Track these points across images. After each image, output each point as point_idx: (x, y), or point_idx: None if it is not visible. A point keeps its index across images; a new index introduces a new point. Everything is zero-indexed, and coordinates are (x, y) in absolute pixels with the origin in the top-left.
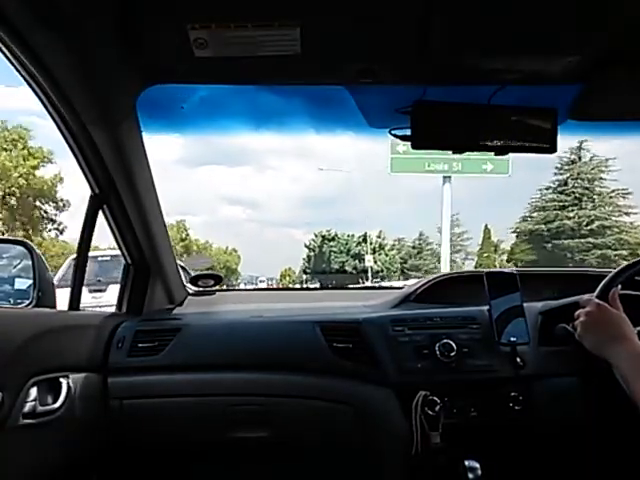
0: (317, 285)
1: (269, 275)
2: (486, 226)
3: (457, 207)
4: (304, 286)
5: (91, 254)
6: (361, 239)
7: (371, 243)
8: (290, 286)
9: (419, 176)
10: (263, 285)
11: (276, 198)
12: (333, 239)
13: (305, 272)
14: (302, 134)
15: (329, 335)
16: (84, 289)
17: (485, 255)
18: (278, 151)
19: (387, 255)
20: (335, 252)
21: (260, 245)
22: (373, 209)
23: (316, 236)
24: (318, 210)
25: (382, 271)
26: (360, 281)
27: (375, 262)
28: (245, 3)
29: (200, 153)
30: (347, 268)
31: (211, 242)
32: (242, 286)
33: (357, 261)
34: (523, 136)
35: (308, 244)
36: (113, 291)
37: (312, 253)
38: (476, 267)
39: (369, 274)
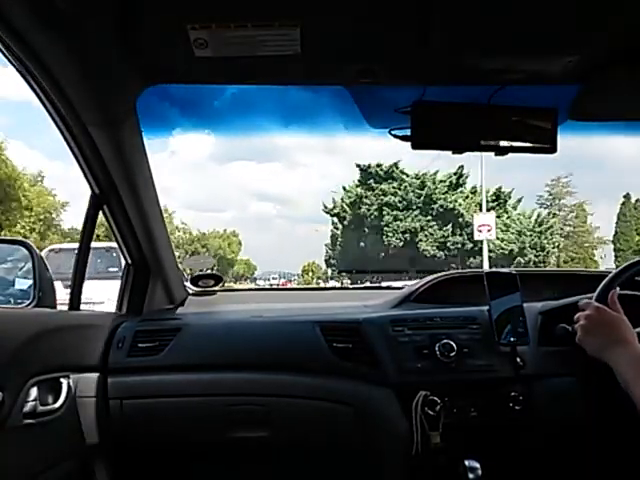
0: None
1: (293, 271)
2: (627, 195)
3: (569, 165)
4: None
5: (68, 246)
6: (456, 178)
7: (487, 191)
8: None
9: None
10: (276, 283)
11: (306, 194)
12: (391, 178)
13: (329, 264)
14: (297, 133)
15: (329, 335)
16: (59, 284)
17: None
18: (307, 147)
19: (521, 221)
20: (396, 208)
21: (289, 240)
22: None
23: (346, 191)
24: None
25: (511, 251)
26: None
27: (497, 236)
28: (245, 3)
29: (229, 149)
30: (425, 246)
31: (172, 211)
32: (261, 283)
33: (451, 229)
34: (523, 136)
35: (331, 207)
36: (89, 287)
37: (342, 225)
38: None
39: (484, 258)
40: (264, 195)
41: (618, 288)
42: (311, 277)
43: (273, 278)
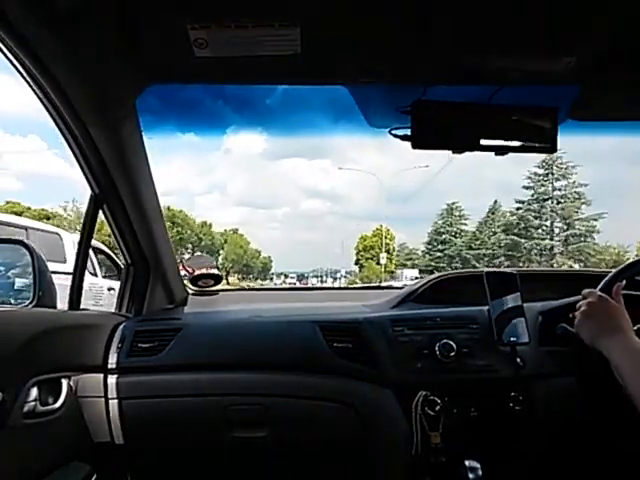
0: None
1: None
2: None
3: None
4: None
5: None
6: None
7: None
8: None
9: None
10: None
11: (356, 191)
12: None
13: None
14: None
15: (329, 335)
16: None
17: None
18: (358, 145)
19: None
20: None
21: (340, 238)
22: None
23: None
24: (397, 204)
25: None
26: None
27: None
28: (245, 3)
29: (280, 146)
30: None
31: None
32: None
33: None
34: (523, 136)
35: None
36: None
37: None
38: None
39: None
40: (315, 191)
41: (624, 281)
42: (386, 269)
43: (291, 277)
